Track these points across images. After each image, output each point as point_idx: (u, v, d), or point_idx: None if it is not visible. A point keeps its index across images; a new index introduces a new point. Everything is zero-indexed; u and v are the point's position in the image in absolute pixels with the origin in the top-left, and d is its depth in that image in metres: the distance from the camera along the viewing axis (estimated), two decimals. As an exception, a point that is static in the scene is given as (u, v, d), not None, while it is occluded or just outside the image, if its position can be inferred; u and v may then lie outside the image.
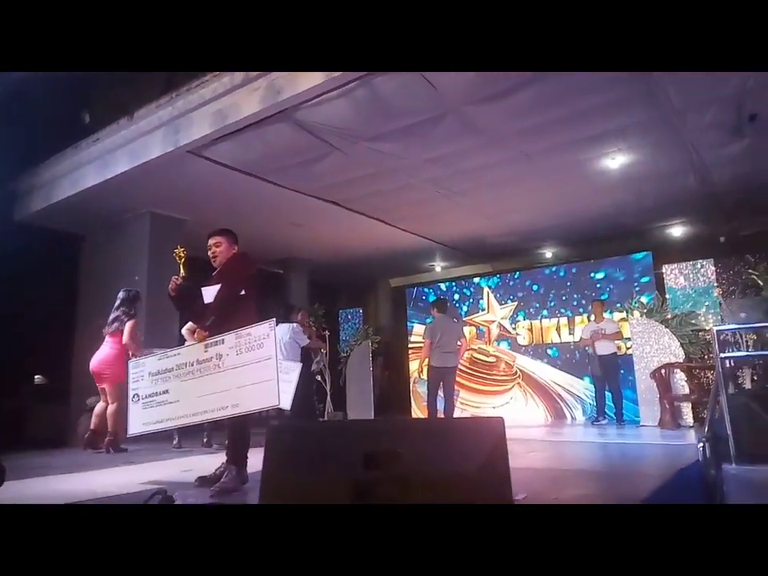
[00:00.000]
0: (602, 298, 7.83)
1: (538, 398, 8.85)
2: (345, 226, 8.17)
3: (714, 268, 6.93)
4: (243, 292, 3.10)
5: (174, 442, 5.34)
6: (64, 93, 6.45)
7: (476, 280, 9.98)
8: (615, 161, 5.92)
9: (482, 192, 6.82)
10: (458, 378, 9.68)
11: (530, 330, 9.09)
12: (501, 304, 9.45)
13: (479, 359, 9.46)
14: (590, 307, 7.72)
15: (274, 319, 2.75)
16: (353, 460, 1.07)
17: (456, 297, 10.07)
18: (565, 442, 5.71)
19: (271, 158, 5.67)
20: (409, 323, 10.52)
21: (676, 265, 7.18)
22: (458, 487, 1.01)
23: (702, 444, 3.21)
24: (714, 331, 3.42)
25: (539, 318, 9.05)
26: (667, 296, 7.05)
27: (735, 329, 4.90)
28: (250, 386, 2.89)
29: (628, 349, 7.17)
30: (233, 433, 2.96)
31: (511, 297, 9.38)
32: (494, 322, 9.42)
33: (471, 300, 9.86)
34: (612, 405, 6.95)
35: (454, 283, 10.32)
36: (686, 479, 3.30)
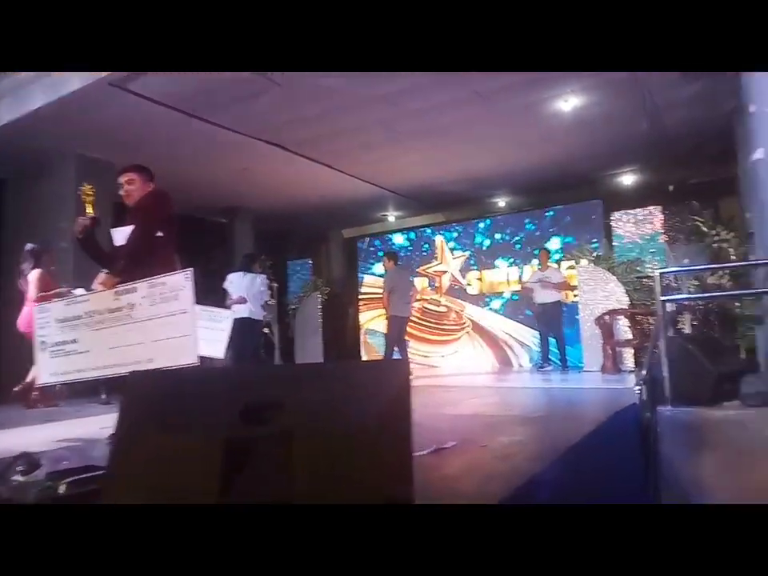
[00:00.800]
0: (546, 246, 7.81)
1: (486, 346, 8.93)
2: (292, 172, 7.78)
3: (661, 215, 6.97)
4: (160, 234, 2.80)
5: (102, 397, 5.07)
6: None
7: (428, 230, 9.82)
8: (568, 103, 5.75)
9: (432, 136, 6.55)
10: (408, 329, 9.74)
11: (481, 279, 9.06)
12: (453, 254, 9.36)
13: (430, 309, 9.42)
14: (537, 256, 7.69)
15: (191, 269, 2.47)
16: (229, 413, 0.88)
17: (409, 247, 9.91)
18: (507, 387, 5.74)
19: (205, 93, 5.20)
20: (360, 274, 10.34)
21: (624, 212, 7.19)
22: (351, 441, 0.84)
23: (639, 387, 3.21)
24: (657, 275, 3.39)
25: (491, 267, 9.02)
26: (614, 243, 7.08)
27: (677, 271, 4.95)
28: (164, 341, 2.61)
29: (575, 296, 7.22)
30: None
31: (463, 247, 9.29)
32: (446, 272, 9.34)
33: (424, 250, 9.72)
34: (557, 351, 7.04)
35: (406, 233, 10.13)
36: (621, 422, 3.31)
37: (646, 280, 6.73)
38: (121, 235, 2.75)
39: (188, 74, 4.77)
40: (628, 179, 8.14)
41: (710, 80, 5.21)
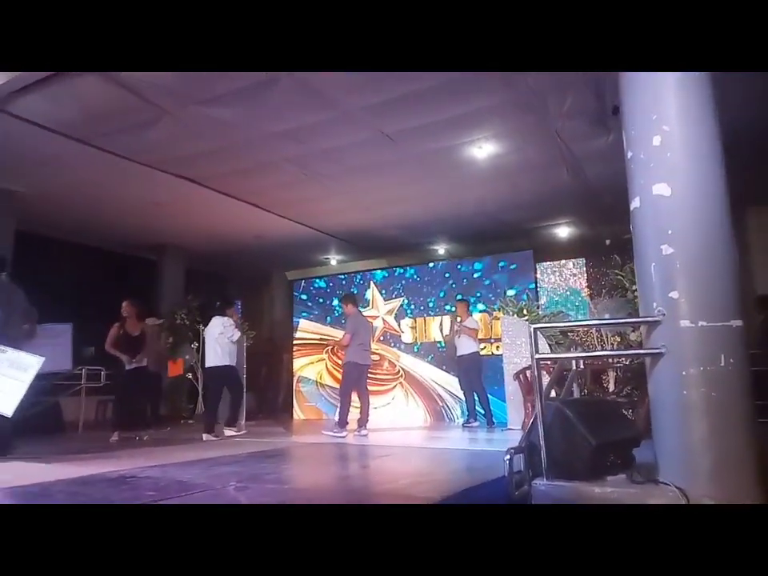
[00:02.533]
0: (464, 297, 7.55)
1: (419, 398, 8.50)
2: (223, 211, 7.47)
3: (585, 268, 6.79)
4: None
5: None
6: None
7: (362, 275, 9.53)
8: (483, 150, 5.59)
9: (351, 178, 6.33)
10: (339, 376, 9.28)
11: (414, 327, 8.73)
12: (386, 300, 9.03)
13: (362, 357, 8.99)
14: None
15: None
16: None
17: (341, 291, 9.57)
18: (406, 447, 5.26)
19: (93, 119, 4.86)
20: (294, 318, 9.91)
21: (549, 264, 7.01)
22: None
23: (509, 456, 2.82)
24: (531, 329, 3.07)
25: (423, 315, 8.71)
26: (540, 294, 6.84)
27: (553, 327, 4.67)
28: None
29: (498, 348, 6.91)
30: None
31: (396, 293, 8.99)
32: (377, 317, 8.98)
33: (358, 295, 9.38)
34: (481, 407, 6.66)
35: (343, 277, 9.82)
36: (488, 493, 2.91)
37: (571, 334, 6.46)
38: None
39: (68, 96, 4.46)
40: (560, 231, 8.03)
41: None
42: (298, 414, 9.38)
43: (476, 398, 6.81)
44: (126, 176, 6.15)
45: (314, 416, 9.24)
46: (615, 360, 5.62)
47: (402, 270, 9.12)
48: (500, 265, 8.16)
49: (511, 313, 6.51)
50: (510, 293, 7.30)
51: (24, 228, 6.91)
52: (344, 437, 5.69)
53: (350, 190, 6.74)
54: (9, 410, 4.03)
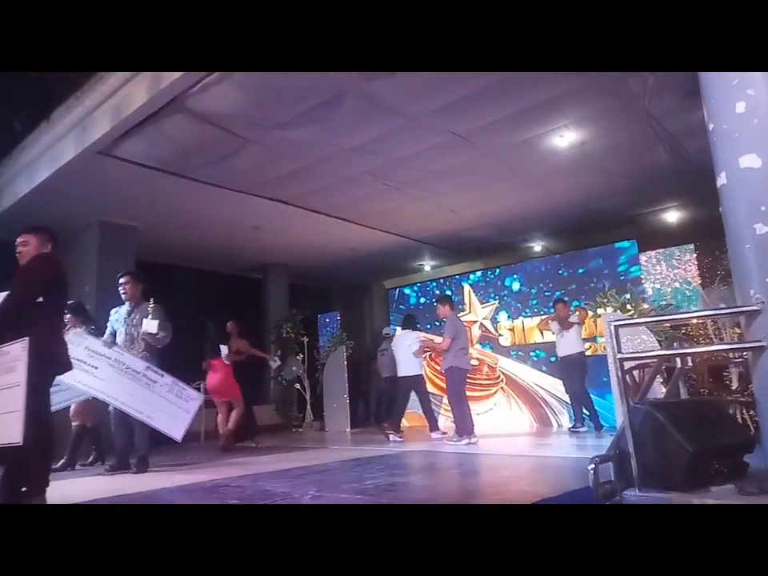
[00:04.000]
0: (562, 297, 7.13)
1: (523, 403, 8.18)
2: (316, 227, 7.79)
3: (694, 254, 6.15)
4: (42, 299, 2.71)
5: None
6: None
7: (457, 278, 9.39)
8: (565, 138, 5.29)
9: (431, 183, 6.29)
10: (441, 383, 9.21)
11: (512, 330, 8.43)
12: (482, 303, 8.83)
13: (461, 362, 8.85)
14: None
15: (27, 339, 2.35)
16: None
17: (435, 298, 9.52)
18: (494, 455, 5.03)
19: (185, 155, 5.31)
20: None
21: (654, 252, 6.44)
22: None
23: (593, 465, 2.61)
24: (612, 328, 2.83)
25: (521, 316, 8.39)
26: (645, 287, 6.31)
27: (635, 323, 4.22)
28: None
29: (603, 348, 6.45)
30: (4, 463, 2.57)
31: (493, 295, 8.75)
32: (475, 322, 8.80)
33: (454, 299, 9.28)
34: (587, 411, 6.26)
35: (435, 283, 9.76)
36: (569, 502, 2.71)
37: (685, 328, 5.89)
38: None
39: (160, 136, 4.90)
40: (667, 216, 7.36)
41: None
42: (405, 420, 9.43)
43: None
44: (223, 203, 6.62)
45: (416, 422, 9.23)
46: (736, 355, 5.03)
47: (498, 271, 8.86)
48: (600, 257, 7.66)
49: (614, 309, 6.06)
50: (612, 287, 6.81)
51: (143, 258, 7.68)
52: (475, 442, 5.47)
53: (432, 195, 6.70)
54: (178, 435, 4.43)
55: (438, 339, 9.33)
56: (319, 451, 5.66)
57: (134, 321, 4.61)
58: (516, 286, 8.54)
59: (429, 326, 9.28)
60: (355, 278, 11.22)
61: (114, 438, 4.49)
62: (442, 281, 9.72)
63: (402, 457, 4.86)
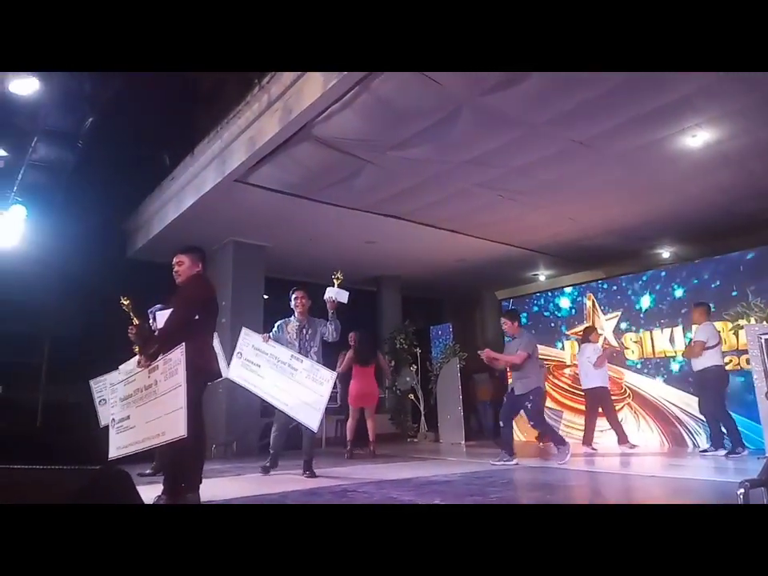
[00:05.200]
0: (703, 301, 6.54)
1: (652, 420, 7.64)
2: (428, 240, 7.94)
3: None
4: (198, 317, 3.06)
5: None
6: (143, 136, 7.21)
7: (576, 288, 9.02)
8: (697, 138, 4.94)
9: (548, 191, 6.16)
10: (560, 398, 8.88)
11: (639, 342, 7.92)
12: (605, 313, 8.40)
13: (581, 376, 8.48)
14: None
15: (184, 344, 2.66)
16: None
17: (552, 308, 9.21)
18: (612, 474, 4.74)
19: (310, 179, 5.70)
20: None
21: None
22: None
23: (742, 489, 2.41)
24: (763, 341, 2.60)
25: (649, 327, 7.85)
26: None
27: None
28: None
29: (747, 362, 5.86)
30: (162, 461, 2.91)
31: (616, 305, 8.29)
32: (601, 335, 8.38)
33: (572, 310, 8.93)
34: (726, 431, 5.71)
35: (554, 292, 9.44)
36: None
37: None
38: (161, 318, 3.08)
39: (290, 162, 5.29)
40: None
41: None
42: (517, 434, 9.21)
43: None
44: (342, 221, 6.98)
45: (533, 437, 8.97)
46: None
47: (622, 280, 8.39)
48: (741, 263, 6.97)
49: (758, 320, 5.51)
50: (757, 295, 6.18)
51: (271, 275, 8.28)
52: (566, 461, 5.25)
53: (549, 204, 6.55)
54: (315, 424, 4.19)
55: (554, 354, 9.05)
56: (437, 462, 5.72)
57: (307, 335, 4.61)
58: (643, 295, 8.03)
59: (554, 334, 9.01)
60: (467, 289, 11.20)
61: (274, 437, 4.64)
62: (560, 290, 9.39)
63: (524, 472, 4.77)
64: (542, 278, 10.47)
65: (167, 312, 3.11)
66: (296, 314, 4.69)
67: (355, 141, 4.85)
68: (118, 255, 8.21)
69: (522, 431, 9.19)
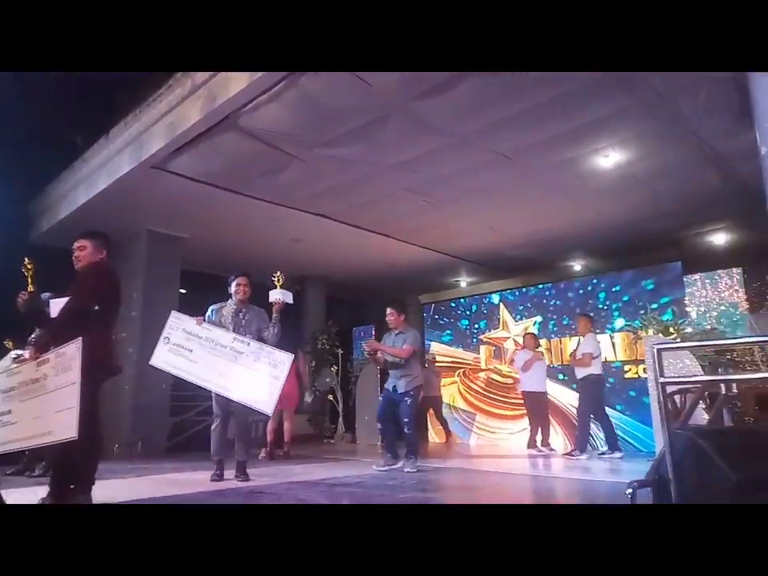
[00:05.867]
0: (586, 312, 7.04)
1: (557, 424, 8.03)
2: (355, 242, 7.92)
3: (743, 278, 5.97)
4: (97, 307, 2.85)
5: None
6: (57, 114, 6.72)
7: (492, 295, 9.36)
8: (609, 158, 5.26)
9: (472, 200, 6.33)
10: (474, 401, 9.13)
11: (549, 348, 8.32)
12: (516, 321, 8.76)
13: (495, 380, 8.79)
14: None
15: (81, 338, 2.49)
16: None
17: (471, 314, 9.49)
18: (516, 474, 4.96)
19: (233, 170, 5.52)
20: (427, 341, 10.01)
21: (700, 275, 6.28)
22: None
23: (631, 489, 2.57)
24: (654, 351, 2.79)
25: (559, 335, 8.28)
26: (688, 310, 6.16)
27: (677, 348, 4.11)
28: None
29: (644, 371, 6.31)
30: (51, 460, 2.71)
31: (528, 314, 8.67)
32: (508, 338, 8.73)
33: (488, 316, 9.24)
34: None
35: (473, 299, 9.73)
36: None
37: (731, 354, 5.71)
38: (56, 307, 2.85)
39: (212, 152, 5.11)
40: (714, 238, 7.19)
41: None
42: (432, 436, 9.39)
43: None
44: (266, 217, 6.82)
45: (442, 439, 9.18)
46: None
47: (534, 290, 8.79)
48: (644, 279, 7.51)
49: (656, 331, 5.94)
50: (655, 309, 6.67)
51: (187, 267, 7.94)
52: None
53: (473, 212, 6.74)
54: (269, 408, 3.97)
55: (469, 357, 9.30)
56: (351, 463, 5.70)
57: (243, 321, 4.33)
58: (553, 305, 8.45)
59: (450, 339, 9.26)
60: (391, 292, 11.29)
61: (215, 437, 4.23)
62: (478, 297, 9.69)
63: (436, 473, 4.86)
64: (463, 284, 10.76)
65: (60, 300, 2.89)
66: (235, 299, 4.40)
67: (282, 135, 4.75)
68: (19, 238, 7.57)
69: (435, 434, 9.37)
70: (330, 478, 4.24)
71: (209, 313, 4.43)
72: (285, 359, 4.00)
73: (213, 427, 4.26)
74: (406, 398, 4.82)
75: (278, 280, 4.44)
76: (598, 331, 7.36)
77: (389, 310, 5.18)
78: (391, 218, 6.99)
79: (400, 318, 5.16)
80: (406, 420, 4.82)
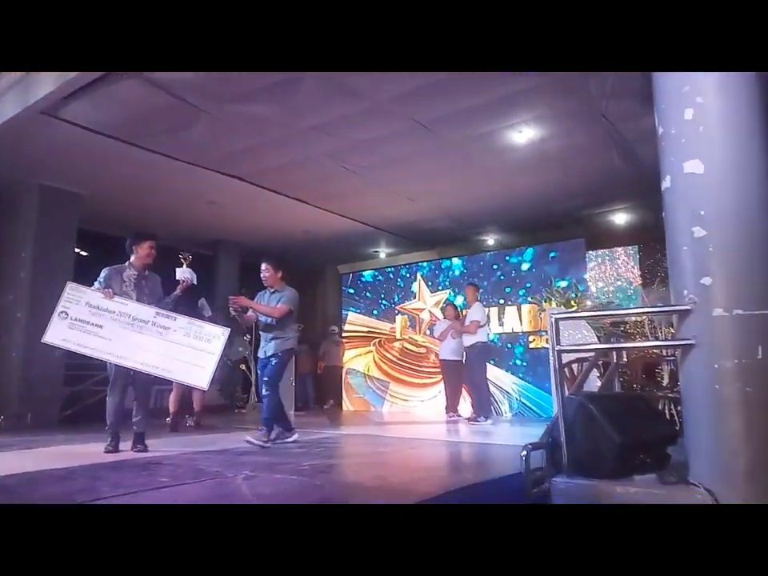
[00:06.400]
0: (473, 281, 7.37)
1: (465, 391, 8.35)
2: (271, 206, 7.63)
3: (638, 256, 6.41)
4: None
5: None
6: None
7: (410, 267, 9.47)
8: (523, 134, 5.38)
9: (390, 170, 6.28)
10: (388, 370, 9.29)
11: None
12: (432, 292, 8.93)
13: (409, 349, 8.97)
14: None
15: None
16: None
17: (388, 284, 9.57)
18: (429, 440, 5.15)
19: (136, 122, 5.09)
20: (344, 311, 10.00)
21: (600, 252, 6.67)
22: None
23: (525, 452, 2.70)
24: (553, 320, 2.92)
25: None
26: (589, 284, 6.53)
27: (573, 317, 4.40)
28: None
29: (547, 342, 6.67)
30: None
31: (443, 285, 8.87)
32: (423, 309, 8.91)
33: (404, 287, 9.35)
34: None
35: (390, 269, 9.80)
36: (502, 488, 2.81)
37: (624, 325, 6.14)
38: None
39: (111, 100, 4.68)
40: (616, 218, 7.62)
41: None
42: (347, 405, 9.48)
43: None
44: (175, 175, 6.39)
45: (362, 407, 9.31)
46: (669, 352, 5.29)
47: (448, 262, 8.98)
48: (550, 254, 7.87)
49: (558, 304, 6.26)
50: (560, 283, 7.02)
51: (86, 227, 7.35)
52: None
53: (391, 182, 6.69)
54: (204, 383, 3.94)
55: (385, 327, 9.40)
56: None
57: (146, 289, 4.12)
58: (467, 277, 8.68)
59: (384, 309, 9.33)
60: (309, 261, 11.11)
61: (112, 407, 3.96)
62: (396, 269, 9.76)
63: (343, 440, 4.88)
64: (382, 255, 10.78)
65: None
66: (139, 264, 4.12)
67: (189, 85, 4.41)
68: None
69: (350, 402, 9.45)
70: (235, 447, 4.13)
71: (104, 274, 4.09)
72: (219, 333, 4.03)
73: (109, 397, 4.00)
74: (272, 359, 4.33)
75: (185, 259, 4.48)
76: (510, 303, 7.67)
77: (264, 266, 4.64)
78: (309, 184, 6.80)
79: (276, 274, 4.63)
80: (264, 379, 4.36)
